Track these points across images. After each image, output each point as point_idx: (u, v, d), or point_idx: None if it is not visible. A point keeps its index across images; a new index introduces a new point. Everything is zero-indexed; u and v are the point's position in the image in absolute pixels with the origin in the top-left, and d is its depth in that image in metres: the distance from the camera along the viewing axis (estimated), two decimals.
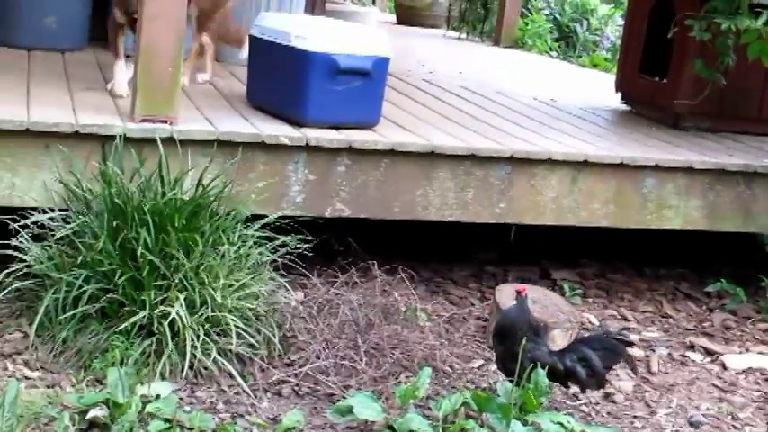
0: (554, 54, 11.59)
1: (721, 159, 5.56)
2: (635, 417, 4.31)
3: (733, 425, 4.35)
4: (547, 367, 3.99)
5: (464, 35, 11.92)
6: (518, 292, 4.19)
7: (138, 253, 4.05)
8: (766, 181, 5.63)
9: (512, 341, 4.11)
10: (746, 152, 5.89)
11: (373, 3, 14.79)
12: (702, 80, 6.01)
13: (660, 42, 6.29)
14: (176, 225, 4.15)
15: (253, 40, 5.19)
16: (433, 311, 5.10)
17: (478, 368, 4.56)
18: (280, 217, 4.59)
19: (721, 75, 5.94)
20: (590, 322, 5.29)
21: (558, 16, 13.06)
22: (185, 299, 4.03)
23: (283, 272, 4.49)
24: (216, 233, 4.29)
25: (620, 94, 7.06)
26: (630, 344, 4.36)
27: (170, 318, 3.96)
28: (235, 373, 4.07)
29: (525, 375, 3.94)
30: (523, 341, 4.02)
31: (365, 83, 4.94)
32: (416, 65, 8.25)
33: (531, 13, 12.58)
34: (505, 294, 4.87)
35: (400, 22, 13.11)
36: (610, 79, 7.70)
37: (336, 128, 4.89)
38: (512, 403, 3.82)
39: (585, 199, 5.26)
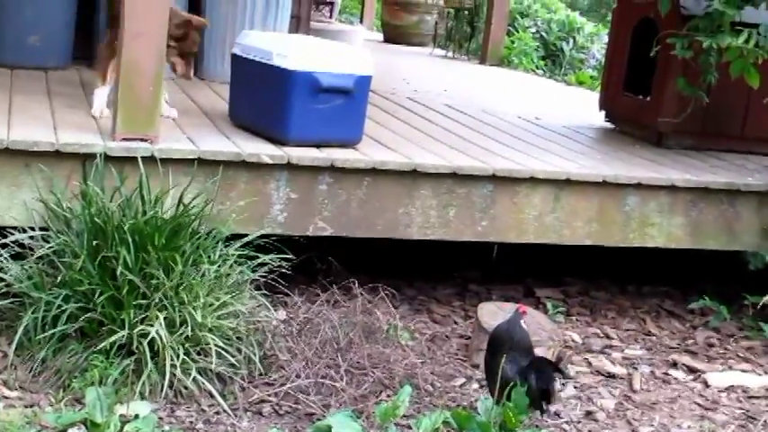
0: (540, 72, 11.63)
1: (704, 177, 5.57)
2: None
3: None
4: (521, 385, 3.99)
5: (450, 53, 11.96)
6: (516, 310, 4.24)
7: (118, 272, 4.04)
8: (749, 199, 5.64)
9: (492, 357, 4.13)
10: (730, 170, 5.90)
11: (361, 21, 14.83)
12: (685, 98, 6.01)
13: (644, 60, 6.30)
14: (156, 244, 4.14)
15: (235, 58, 5.19)
16: (415, 330, 5.09)
17: (460, 386, 4.55)
18: (262, 236, 4.58)
19: (704, 93, 5.95)
20: (573, 340, 5.28)
21: (544, 34, 13.11)
22: (165, 318, 4.02)
23: (265, 291, 4.48)
24: (196, 252, 4.28)
25: (604, 113, 7.08)
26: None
27: (149, 337, 3.95)
28: (215, 392, 4.06)
29: (496, 392, 3.94)
30: (502, 357, 4.02)
31: (347, 101, 4.93)
32: (401, 83, 8.26)
33: (518, 31, 12.62)
34: (487, 312, 4.87)
35: (387, 40, 13.14)
36: (595, 97, 7.71)
37: (318, 146, 4.89)
38: (491, 422, 3.81)
39: (568, 217, 5.26)
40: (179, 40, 5.12)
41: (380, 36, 13.57)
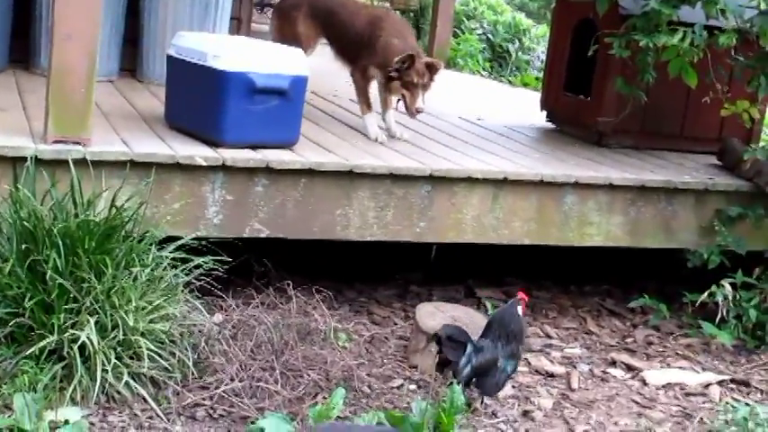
0: (486, 74, 11.64)
1: (642, 176, 5.59)
2: None
3: None
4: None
5: None
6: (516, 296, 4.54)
7: (48, 276, 3.98)
8: (687, 197, 5.67)
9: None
10: (668, 169, 5.93)
11: None
12: (625, 98, 6.04)
13: (584, 61, 6.32)
14: (87, 247, 4.08)
15: (170, 60, 5.13)
16: (354, 331, 5.07)
17: (398, 388, 4.53)
18: (198, 238, 4.53)
19: (642, 92, 5.98)
20: None
21: (490, 36, 13.12)
22: (96, 322, 3.97)
23: (200, 294, 4.44)
24: (129, 255, 4.23)
25: (545, 113, 7.09)
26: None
27: (80, 341, 3.89)
28: (148, 397, 4.01)
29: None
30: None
31: (282, 102, 4.90)
32: (344, 85, 8.19)
33: (464, 33, 12.62)
34: (426, 313, 4.86)
35: None
36: (538, 98, 7.72)
37: (254, 148, 4.85)
38: (425, 422, 3.79)
39: (507, 216, 5.26)
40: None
41: None
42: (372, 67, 5.78)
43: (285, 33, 5.97)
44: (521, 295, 4.54)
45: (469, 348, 4.32)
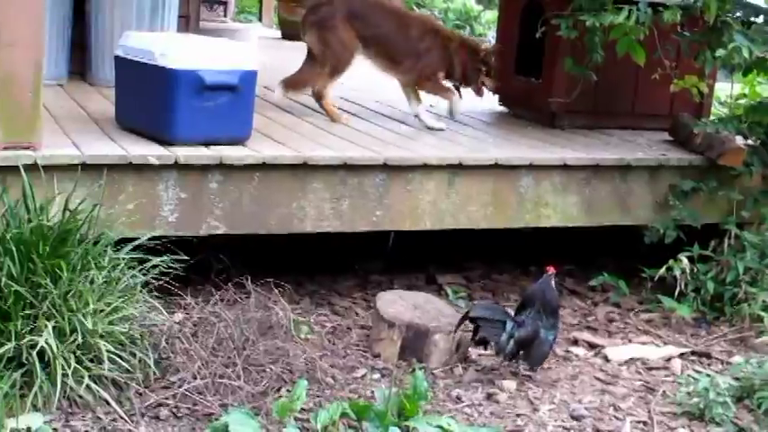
0: None
1: (595, 155, 5.63)
2: (518, 415, 4.32)
3: (615, 415, 4.40)
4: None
5: None
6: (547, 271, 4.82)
7: (2, 283, 3.95)
8: (641, 174, 5.72)
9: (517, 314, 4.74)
10: (621, 147, 5.98)
11: (260, 19, 14.73)
12: (575, 78, 6.07)
13: (533, 43, 6.34)
14: (42, 252, 4.05)
15: (118, 60, 5.11)
16: (316, 323, 5.09)
17: (361, 377, 4.54)
18: (154, 238, 4.51)
19: (592, 72, 6.02)
20: None
21: (442, 23, 13.12)
22: (55, 327, 3.94)
23: (159, 294, 4.42)
24: (85, 258, 4.21)
25: (497, 97, 7.10)
26: None
27: (39, 347, 3.87)
28: (110, 399, 4.00)
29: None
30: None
31: (233, 98, 4.89)
32: None
33: None
34: (386, 301, 4.87)
35: (285, 37, 13.04)
36: None
37: (207, 145, 4.84)
38: (389, 410, 3.80)
39: (463, 201, 5.27)
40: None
41: (279, 33, 13.48)
42: (441, 72, 6.16)
43: (328, 41, 6.07)
44: (551, 269, 4.80)
45: (509, 325, 4.57)
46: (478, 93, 6.33)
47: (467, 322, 4.66)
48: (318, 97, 6.13)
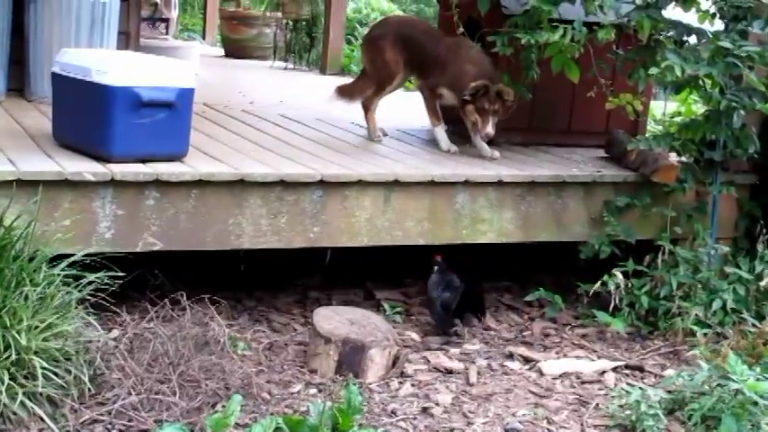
0: None
1: (531, 171, 5.70)
2: (452, 429, 4.36)
3: (548, 428, 4.44)
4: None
5: (291, 65, 11.97)
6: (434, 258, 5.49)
7: None
8: (576, 190, 5.79)
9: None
10: (557, 163, 6.06)
11: (203, 37, 14.73)
12: None
13: None
14: None
15: (55, 77, 5.11)
16: (254, 339, 5.10)
17: (297, 393, 4.55)
18: (90, 254, 4.51)
19: (528, 89, 6.09)
20: (412, 339, 5.34)
21: None
22: None
23: (94, 310, 4.41)
24: (19, 275, 4.20)
25: None
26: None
27: None
28: (44, 416, 3.98)
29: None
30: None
31: (170, 114, 4.90)
32: (237, 96, 8.24)
33: (357, 40, 12.68)
34: (323, 317, 4.90)
35: (228, 54, 13.07)
36: None
37: (144, 161, 4.85)
38: (322, 424, 3.82)
39: (399, 218, 5.32)
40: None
41: (222, 51, 13.49)
42: (443, 88, 6.25)
43: (375, 61, 6.49)
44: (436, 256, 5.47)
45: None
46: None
47: None
48: (365, 110, 6.53)
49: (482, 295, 5.70)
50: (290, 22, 12.33)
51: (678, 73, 5.44)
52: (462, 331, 5.41)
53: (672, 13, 5.91)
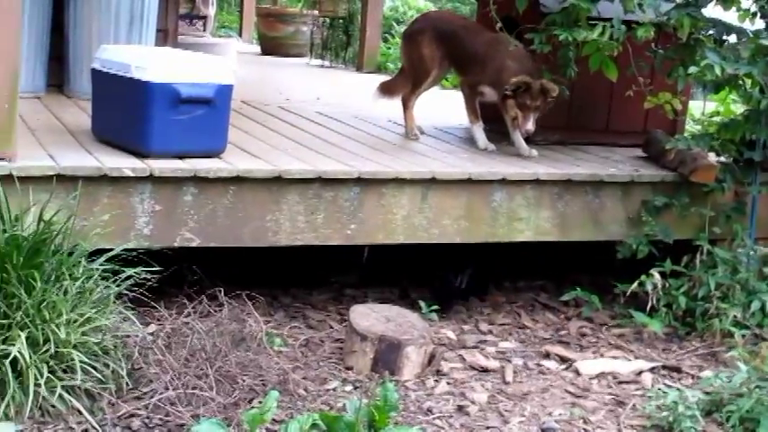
0: None
1: (568, 170, 5.67)
2: (488, 428, 4.35)
3: (584, 428, 4.42)
4: None
5: (327, 62, 11.99)
6: None
7: None
8: (614, 189, 5.76)
9: None
10: (594, 162, 6.03)
11: (240, 35, 14.78)
12: None
13: None
14: (15, 262, 4.07)
15: (94, 73, 5.14)
16: (290, 336, 5.11)
17: (333, 390, 4.55)
18: (129, 249, 4.53)
19: (566, 88, 6.07)
20: (447, 337, 5.33)
21: None
22: (28, 337, 3.96)
23: (132, 305, 4.44)
24: (59, 269, 4.23)
25: None
26: None
27: (11, 356, 3.89)
28: (83, 409, 4.01)
29: None
30: None
31: (208, 111, 4.91)
32: (274, 93, 8.26)
33: (394, 38, 12.69)
34: (359, 314, 4.90)
35: (265, 52, 13.12)
36: None
37: (182, 157, 4.87)
38: (359, 421, 3.82)
39: (436, 216, 5.31)
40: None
41: (258, 48, 13.53)
42: (484, 85, 6.23)
43: (412, 56, 6.48)
44: None
45: None
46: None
47: None
48: (404, 106, 6.51)
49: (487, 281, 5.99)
50: (327, 20, 12.35)
51: (718, 72, 5.40)
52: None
53: (712, 11, 5.86)
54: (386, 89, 6.66)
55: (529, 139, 6.34)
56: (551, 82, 5.93)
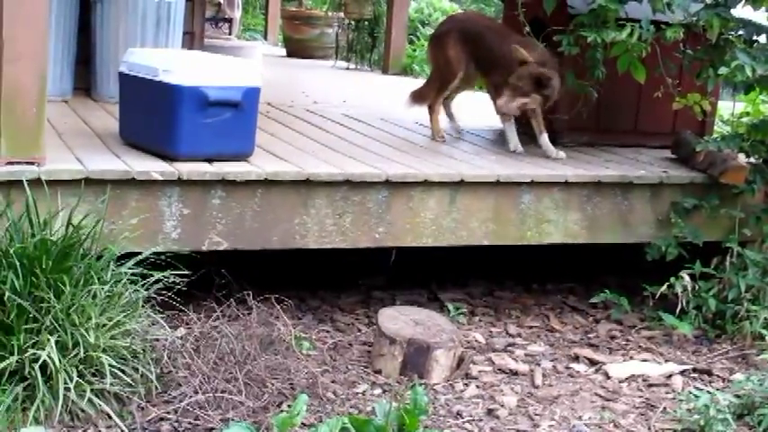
0: None
1: (597, 172, 5.64)
2: (518, 431, 4.33)
3: None
4: None
5: (353, 65, 11.98)
6: None
7: (6, 297, 3.97)
8: (643, 191, 5.73)
9: None
10: (623, 164, 5.99)
11: (265, 37, 14.79)
12: (577, 95, 6.09)
13: None
14: (45, 267, 4.08)
15: (122, 76, 5.14)
16: (318, 339, 5.10)
17: (362, 393, 4.54)
18: (157, 253, 4.53)
19: (594, 89, 6.03)
20: (476, 340, 5.31)
21: None
22: (57, 341, 3.96)
23: (161, 309, 4.44)
24: (88, 273, 4.23)
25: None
26: None
27: (41, 361, 3.89)
28: (112, 413, 4.01)
29: None
30: None
31: (236, 114, 4.91)
32: (300, 95, 8.25)
33: (420, 40, 12.67)
34: (387, 317, 4.89)
35: (290, 54, 13.12)
36: None
37: (209, 160, 4.86)
38: (389, 425, 3.81)
39: (464, 218, 5.29)
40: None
41: (283, 51, 13.54)
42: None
43: (438, 58, 6.45)
44: None
45: None
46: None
47: None
48: (430, 110, 6.48)
49: None
50: (352, 22, 12.32)
51: (749, 73, 5.36)
52: None
53: (741, 11, 5.82)
54: (417, 96, 6.59)
55: (556, 141, 6.32)
56: (558, 78, 5.91)
